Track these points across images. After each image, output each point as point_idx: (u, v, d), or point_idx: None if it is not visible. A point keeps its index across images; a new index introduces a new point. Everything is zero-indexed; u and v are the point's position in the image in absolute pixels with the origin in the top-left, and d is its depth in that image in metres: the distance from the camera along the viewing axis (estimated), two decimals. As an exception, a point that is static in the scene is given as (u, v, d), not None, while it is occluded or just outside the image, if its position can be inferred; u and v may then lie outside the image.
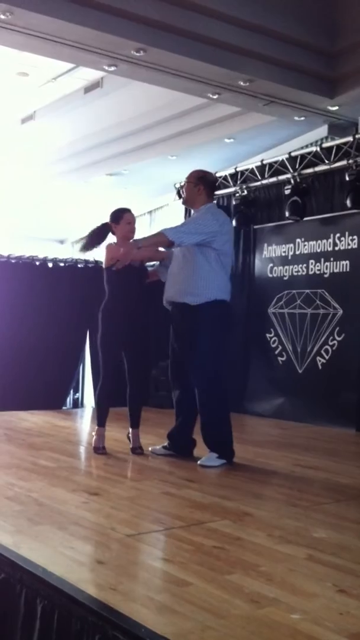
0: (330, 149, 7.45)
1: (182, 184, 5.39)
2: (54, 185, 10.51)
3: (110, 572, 2.74)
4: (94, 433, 5.42)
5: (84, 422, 8.03)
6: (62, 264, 8.68)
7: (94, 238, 5.23)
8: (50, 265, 8.55)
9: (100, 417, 5.38)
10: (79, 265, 8.72)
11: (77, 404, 9.10)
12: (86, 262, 8.75)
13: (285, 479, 4.70)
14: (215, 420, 4.98)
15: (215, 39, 6.02)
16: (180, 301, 4.99)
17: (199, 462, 4.94)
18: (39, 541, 3.04)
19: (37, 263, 8.48)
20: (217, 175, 8.66)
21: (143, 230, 10.16)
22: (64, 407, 8.55)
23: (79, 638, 2.28)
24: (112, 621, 2.23)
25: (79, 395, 9.14)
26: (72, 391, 8.94)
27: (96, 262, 8.75)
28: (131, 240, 5.06)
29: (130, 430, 5.43)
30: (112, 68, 6.29)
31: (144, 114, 8.25)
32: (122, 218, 5.25)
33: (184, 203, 5.48)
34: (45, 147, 9.62)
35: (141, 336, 5.32)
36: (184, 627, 2.20)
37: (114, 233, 5.28)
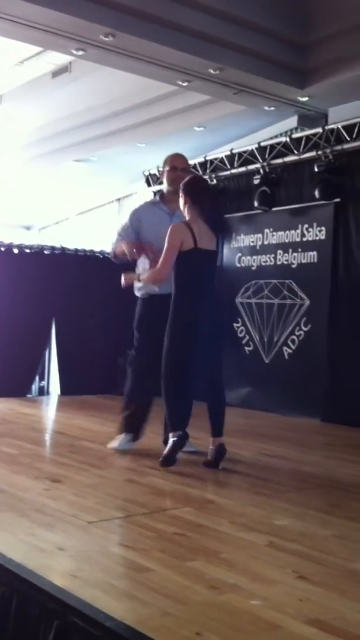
0: (299, 139, 7.45)
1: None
2: (21, 171, 10.39)
3: (71, 558, 2.73)
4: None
5: (49, 410, 7.98)
6: (28, 250, 8.57)
7: None
8: (15, 251, 8.45)
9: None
10: (46, 252, 8.62)
11: (43, 391, 9.03)
12: (52, 248, 8.67)
13: (250, 467, 4.71)
14: None
15: (186, 26, 5.99)
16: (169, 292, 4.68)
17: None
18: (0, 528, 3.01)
19: (2, 249, 8.37)
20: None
21: (112, 217, 10.14)
22: (28, 395, 8.48)
23: (37, 624, 2.26)
24: (72, 607, 2.21)
25: (44, 383, 9.07)
26: (37, 379, 8.87)
27: (63, 249, 8.70)
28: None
29: (211, 439, 4.49)
30: (81, 52, 6.22)
31: (113, 100, 8.18)
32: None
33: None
34: (12, 132, 9.49)
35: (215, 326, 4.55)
36: (144, 613, 2.19)
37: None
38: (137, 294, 5.03)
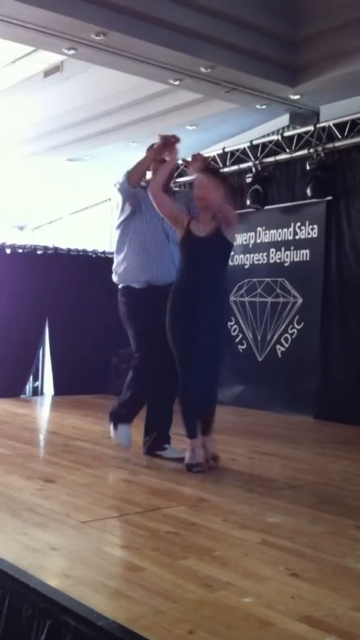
0: (291, 137, 7.46)
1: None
2: (14, 171, 10.36)
3: (64, 558, 2.73)
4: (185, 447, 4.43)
5: (43, 410, 7.97)
6: (20, 250, 8.56)
7: None
8: (8, 251, 8.44)
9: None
10: (39, 252, 8.62)
11: (37, 392, 9.02)
12: (45, 248, 8.66)
13: (243, 465, 4.73)
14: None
15: (177, 24, 5.97)
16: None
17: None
18: (-8, 528, 3.01)
19: (-5, 249, 8.36)
20: (179, 162, 8.62)
21: (105, 217, 10.13)
22: (22, 395, 8.47)
23: (30, 624, 2.26)
24: (64, 607, 2.21)
25: (38, 383, 9.06)
26: (31, 379, 8.86)
27: (56, 249, 8.69)
28: None
29: (201, 438, 4.44)
30: (72, 52, 6.20)
31: (105, 99, 8.16)
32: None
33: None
34: (4, 132, 9.47)
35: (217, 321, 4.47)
36: (136, 612, 2.19)
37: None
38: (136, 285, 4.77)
